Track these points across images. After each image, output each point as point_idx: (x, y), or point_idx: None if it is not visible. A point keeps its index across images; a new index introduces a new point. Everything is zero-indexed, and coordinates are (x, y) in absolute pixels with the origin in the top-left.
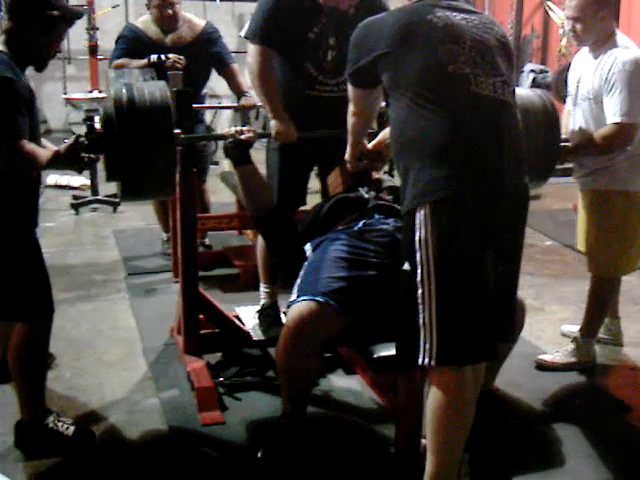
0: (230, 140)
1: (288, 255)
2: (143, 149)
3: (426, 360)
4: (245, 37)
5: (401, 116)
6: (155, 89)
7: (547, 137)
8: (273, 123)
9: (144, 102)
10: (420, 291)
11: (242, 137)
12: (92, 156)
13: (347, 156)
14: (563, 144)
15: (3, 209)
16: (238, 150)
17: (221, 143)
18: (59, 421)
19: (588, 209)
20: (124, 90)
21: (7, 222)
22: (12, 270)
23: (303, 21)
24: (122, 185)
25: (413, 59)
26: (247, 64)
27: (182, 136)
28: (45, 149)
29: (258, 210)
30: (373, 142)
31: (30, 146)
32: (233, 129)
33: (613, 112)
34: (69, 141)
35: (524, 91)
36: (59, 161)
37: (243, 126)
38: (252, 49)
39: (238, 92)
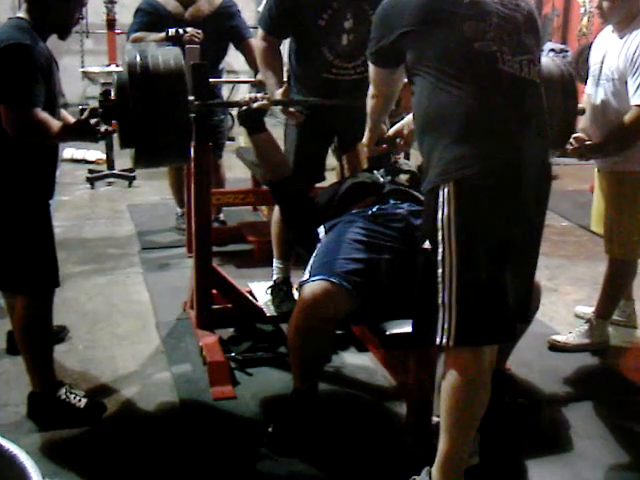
0: (244, 108)
1: (302, 226)
2: (157, 113)
3: (444, 340)
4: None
5: (425, 94)
6: (169, 56)
7: (564, 106)
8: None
9: (158, 67)
10: (440, 270)
11: (255, 105)
12: (109, 128)
13: (365, 140)
14: (589, 142)
15: (18, 178)
16: (252, 118)
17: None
18: (71, 393)
19: (606, 191)
20: (138, 56)
21: (21, 192)
22: (20, 242)
23: (310, 9)
24: (136, 150)
25: (438, 36)
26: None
27: (196, 102)
28: (60, 122)
29: (274, 174)
30: (392, 129)
31: (43, 115)
32: (247, 96)
33: (637, 94)
34: (85, 113)
35: (542, 59)
36: (73, 132)
37: (257, 92)
38: (258, 34)
39: (255, 67)
